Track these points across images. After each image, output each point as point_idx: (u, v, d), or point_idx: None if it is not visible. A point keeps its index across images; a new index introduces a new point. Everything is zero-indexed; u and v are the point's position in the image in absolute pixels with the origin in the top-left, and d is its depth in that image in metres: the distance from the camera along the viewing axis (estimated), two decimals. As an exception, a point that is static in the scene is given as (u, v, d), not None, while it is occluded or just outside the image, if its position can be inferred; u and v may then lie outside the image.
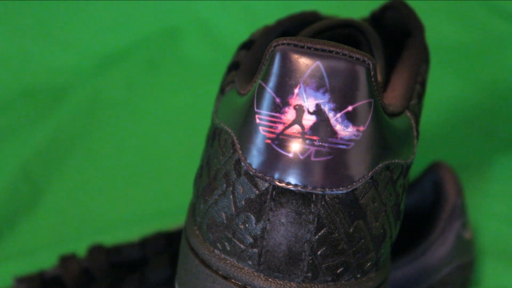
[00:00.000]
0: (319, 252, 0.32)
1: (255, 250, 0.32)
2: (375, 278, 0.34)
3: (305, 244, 0.31)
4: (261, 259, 0.32)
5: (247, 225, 0.32)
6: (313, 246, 0.31)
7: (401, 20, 0.40)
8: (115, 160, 0.62)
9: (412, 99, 0.36)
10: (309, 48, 0.30)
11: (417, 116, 0.36)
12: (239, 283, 0.32)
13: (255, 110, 0.31)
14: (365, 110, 0.31)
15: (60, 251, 0.50)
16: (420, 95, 0.37)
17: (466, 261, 0.46)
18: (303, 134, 0.31)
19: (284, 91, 0.31)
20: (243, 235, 0.32)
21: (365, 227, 0.32)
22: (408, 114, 0.35)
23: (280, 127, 0.31)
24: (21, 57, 0.68)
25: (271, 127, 0.31)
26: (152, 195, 0.58)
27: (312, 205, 0.31)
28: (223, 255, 0.33)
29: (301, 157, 0.31)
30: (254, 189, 0.32)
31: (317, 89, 0.30)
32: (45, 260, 0.50)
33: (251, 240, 0.32)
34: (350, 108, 0.31)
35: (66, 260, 0.46)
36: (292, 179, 0.31)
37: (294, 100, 0.30)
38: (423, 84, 0.38)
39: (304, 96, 0.30)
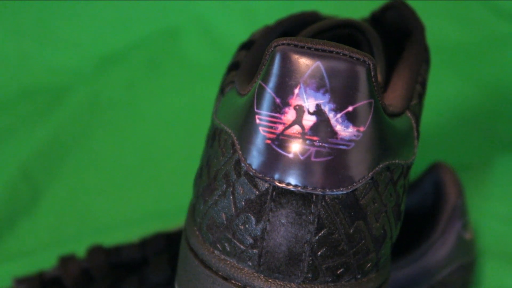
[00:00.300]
0: (319, 253, 0.32)
1: (255, 250, 0.32)
2: (376, 279, 0.34)
3: (305, 245, 0.31)
4: (261, 260, 0.32)
5: (247, 225, 0.32)
6: (313, 246, 0.31)
7: (401, 20, 0.40)
8: (115, 160, 0.62)
9: (413, 100, 0.36)
10: (309, 48, 0.30)
11: (417, 116, 0.36)
12: (239, 284, 0.32)
13: (255, 110, 0.31)
14: (365, 111, 0.31)
15: (59, 251, 0.50)
16: (421, 96, 0.37)
17: (466, 261, 0.46)
18: (303, 135, 0.31)
19: (284, 92, 0.30)
20: (243, 235, 0.32)
21: (366, 228, 0.32)
22: (409, 114, 0.35)
23: (280, 127, 0.31)
24: (20, 57, 0.68)
25: (271, 127, 0.31)
26: (152, 195, 0.58)
27: (312, 206, 0.31)
28: (223, 256, 0.33)
29: (301, 158, 0.31)
30: (254, 190, 0.32)
31: (317, 89, 0.30)
32: (45, 261, 0.50)
33: (251, 240, 0.32)
34: (350, 108, 0.30)
35: (66, 260, 0.46)
36: (292, 180, 0.31)
37: (294, 101, 0.30)
38: (423, 85, 0.38)
39: (304, 96, 0.30)
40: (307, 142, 0.31)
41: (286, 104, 0.31)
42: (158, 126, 0.65)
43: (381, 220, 0.33)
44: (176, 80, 0.68)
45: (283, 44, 0.31)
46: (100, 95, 0.67)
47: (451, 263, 0.44)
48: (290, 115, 0.31)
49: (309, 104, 0.30)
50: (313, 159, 0.31)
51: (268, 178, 0.31)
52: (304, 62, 0.30)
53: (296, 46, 0.30)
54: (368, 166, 0.32)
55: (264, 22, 0.41)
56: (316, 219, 0.31)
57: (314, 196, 0.31)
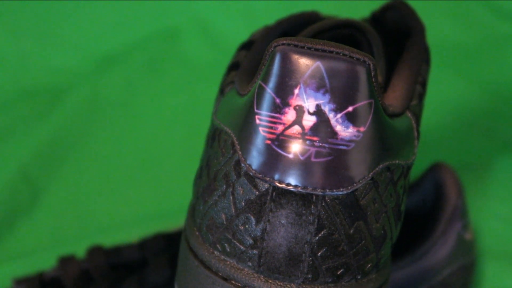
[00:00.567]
0: (319, 253, 0.32)
1: (255, 251, 0.32)
2: (376, 279, 0.34)
3: (305, 245, 0.31)
4: (261, 260, 0.32)
5: (247, 226, 0.32)
6: (313, 247, 0.31)
7: (401, 20, 0.40)
8: (115, 161, 0.62)
9: (413, 100, 0.36)
10: (309, 48, 0.30)
11: (417, 116, 0.36)
12: (239, 285, 0.32)
13: (255, 110, 0.31)
14: (365, 111, 0.31)
15: (59, 252, 0.50)
16: (421, 96, 0.37)
17: (467, 262, 0.46)
18: (303, 135, 0.31)
19: (284, 92, 0.30)
20: (243, 236, 0.32)
21: (366, 228, 0.32)
22: (409, 114, 0.35)
23: (280, 127, 0.31)
24: (20, 57, 0.68)
25: (271, 127, 0.31)
26: (152, 196, 0.58)
27: (313, 206, 0.31)
28: (222, 256, 0.33)
29: (301, 158, 0.31)
30: (254, 190, 0.31)
31: (317, 89, 0.30)
32: (44, 261, 0.50)
33: (251, 241, 0.32)
34: (350, 108, 0.30)
35: (65, 261, 0.46)
36: (292, 180, 0.31)
37: (294, 101, 0.30)
38: (423, 85, 0.38)
39: (304, 96, 0.30)
40: (307, 142, 0.31)
41: (286, 104, 0.30)
42: (158, 127, 0.65)
43: (381, 221, 0.33)
44: (176, 80, 0.68)
45: (283, 44, 0.31)
46: (99, 95, 0.67)
47: (451, 263, 0.44)
48: (290, 115, 0.31)
49: (309, 104, 0.30)
50: (313, 159, 0.31)
51: (268, 179, 0.31)
52: (304, 62, 0.30)
53: (296, 46, 0.30)
54: (368, 167, 0.31)
55: (264, 22, 0.41)
56: (316, 220, 0.31)
57: (314, 197, 0.31)
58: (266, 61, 0.31)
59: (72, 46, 0.69)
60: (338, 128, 0.31)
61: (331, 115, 0.30)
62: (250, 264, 0.32)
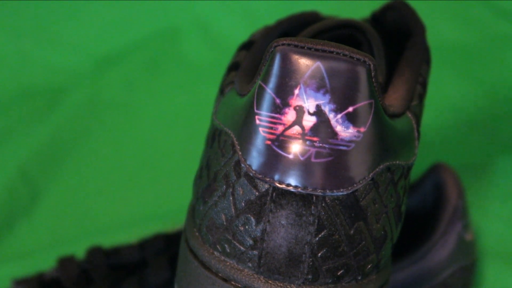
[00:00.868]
0: (319, 254, 0.31)
1: (255, 252, 0.32)
2: (376, 280, 0.34)
3: (306, 246, 0.31)
4: (261, 261, 0.32)
5: (247, 226, 0.32)
6: (314, 248, 0.31)
7: (402, 20, 0.40)
8: (114, 161, 0.61)
9: (413, 100, 0.36)
10: (309, 48, 0.30)
11: (418, 117, 0.36)
12: (239, 285, 0.32)
13: (255, 111, 0.31)
14: (365, 111, 0.31)
15: (58, 252, 0.49)
16: (421, 96, 0.37)
17: (467, 263, 0.46)
18: (303, 135, 0.30)
19: (284, 92, 0.30)
20: (243, 237, 0.32)
21: (366, 229, 0.32)
22: (409, 115, 0.35)
23: (280, 128, 0.31)
24: (19, 57, 0.68)
25: (271, 128, 0.31)
26: (152, 196, 0.58)
27: (313, 207, 0.31)
28: (222, 257, 0.33)
29: (302, 158, 0.31)
30: (254, 191, 0.31)
31: (317, 89, 0.30)
32: (44, 262, 0.50)
33: (251, 242, 0.32)
34: (350, 109, 0.30)
35: (65, 262, 0.46)
36: (292, 181, 0.31)
37: (294, 101, 0.30)
38: (424, 85, 0.38)
39: (305, 96, 0.30)
40: (307, 142, 0.30)
41: (286, 104, 0.30)
42: (158, 127, 0.64)
43: (381, 221, 0.33)
44: (176, 81, 0.68)
45: (283, 44, 0.31)
46: (99, 96, 0.66)
47: (452, 264, 0.44)
48: (290, 115, 0.31)
49: (309, 104, 0.30)
50: (313, 159, 0.31)
51: (268, 179, 0.31)
52: (304, 63, 0.30)
53: (296, 46, 0.30)
54: (368, 167, 0.31)
55: (264, 22, 0.41)
56: (316, 220, 0.31)
57: (314, 197, 0.31)
58: (266, 61, 0.31)
59: (72, 46, 0.69)
60: (338, 128, 0.30)
61: (331, 116, 0.30)
62: (250, 264, 0.32)
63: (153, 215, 0.56)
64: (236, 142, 0.32)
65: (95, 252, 0.46)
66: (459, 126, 0.61)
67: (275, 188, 0.31)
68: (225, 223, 0.32)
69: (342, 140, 0.31)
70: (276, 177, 0.31)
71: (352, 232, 0.32)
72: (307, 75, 0.30)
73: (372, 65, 0.30)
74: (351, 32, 0.39)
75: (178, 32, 0.69)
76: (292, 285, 0.32)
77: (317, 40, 0.30)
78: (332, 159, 0.31)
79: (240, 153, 0.32)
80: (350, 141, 0.31)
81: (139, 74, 0.68)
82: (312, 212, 0.31)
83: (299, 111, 0.30)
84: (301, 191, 0.31)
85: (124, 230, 0.54)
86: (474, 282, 0.48)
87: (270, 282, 0.32)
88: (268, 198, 0.31)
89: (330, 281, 0.32)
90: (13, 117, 0.65)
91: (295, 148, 0.31)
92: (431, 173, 0.47)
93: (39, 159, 0.61)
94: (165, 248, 0.46)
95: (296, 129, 0.31)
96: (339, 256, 0.32)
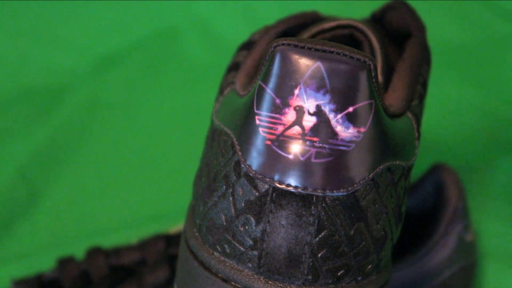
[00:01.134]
0: (319, 255, 0.31)
1: (255, 252, 0.32)
2: (376, 280, 0.34)
3: (306, 247, 0.31)
4: (261, 262, 0.32)
5: (247, 227, 0.32)
6: (314, 248, 0.31)
7: (402, 20, 0.40)
8: (114, 162, 0.61)
9: (414, 100, 0.36)
10: (309, 48, 0.30)
11: (418, 117, 0.36)
12: (239, 286, 0.32)
13: (255, 111, 0.31)
14: (366, 111, 0.31)
15: (58, 253, 0.49)
16: (422, 96, 0.37)
17: (468, 263, 0.46)
18: (303, 135, 0.30)
19: (284, 92, 0.30)
20: (243, 237, 0.32)
21: (366, 229, 0.32)
22: (409, 115, 0.35)
23: (280, 128, 0.31)
24: (19, 58, 0.68)
25: (271, 128, 0.31)
26: (151, 197, 0.58)
27: (313, 207, 0.31)
28: (222, 258, 0.33)
29: (302, 159, 0.30)
30: (254, 191, 0.31)
31: (317, 90, 0.30)
32: (43, 263, 0.50)
33: (251, 242, 0.32)
34: (350, 109, 0.30)
35: (65, 262, 0.46)
36: (292, 181, 0.31)
37: (294, 101, 0.30)
38: (424, 85, 0.38)
39: (305, 97, 0.30)
40: (307, 143, 0.30)
41: (286, 104, 0.30)
42: (157, 127, 0.64)
43: (381, 222, 0.33)
44: (176, 81, 0.68)
45: (283, 44, 0.30)
46: (98, 96, 0.66)
47: (452, 265, 0.44)
48: (290, 115, 0.30)
49: (309, 104, 0.30)
50: (313, 160, 0.30)
51: (268, 179, 0.31)
52: (304, 63, 0.30)
53: (296, 46, 0.30)
54: (368, 167, 0.31)
55: (264, 22, 0.41)
56: (316, 221, 0.31)
57: (314, 198, 0.31)
58: (266, 62, 0.31)
59: (71, 46, 0.69)
60: (339, 128, 0.30)
61: (331, 116, 0.30)
62: (250, 265, 0.32)
63: (153, 216, 0.55)
64: (236, 142, 0.32)
65: (95, 253, 0.46)
66: (460, 126, 0.61)
67: (275, 189, 0.31)
68: (225, 224, 0.32)
69: (342, 140, 0.31)
70: (276, 177, 0.31)
71: (352, 232, 0.32)
72: (307, 75, 0.30)
73: (372, 65, 0.30)
74: (351, 32, 0.39)
75: (178, 32, 0.69)
76: (292, 285, 0.32)
77: (317, 40, 0.30)
78: (332, 160, 0.31)
79: (240, 153, 0.32)
80: (350, 141, 0.31)
81: (138, 74, 0.68)
82: (312, 212, 0.31)
83: (299, 111, 0.30)
84: (301, 191, 0.31)
85: (123, 230, 0.54)
86: (474, 283, 0.48)
87: (270, 282, 0.32)
88: (268, 199, 0.31)
89: (330, 281, 0.32)
90: (12, 117, 0.65)
91: (295, 148, 0.31)
92: (432, 173, 0.47)
93: (39, 159, 0.61)
94: (165, 249, 0.46)
95: (296, 129, 0.30)
96: (339, 257, 0.32)
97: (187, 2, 0.69)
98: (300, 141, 0.30)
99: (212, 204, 0.33)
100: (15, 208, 0.57)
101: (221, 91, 0.36)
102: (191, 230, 0.35)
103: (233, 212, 0.32)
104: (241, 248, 0.32)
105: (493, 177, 0.57)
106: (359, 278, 0.33)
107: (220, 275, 0.33)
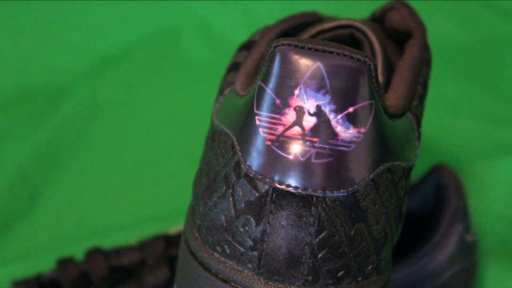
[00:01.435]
0: (319, 255, 0.31)
1: (255, 253, 0.32)
2: (377, 281, 0.34)
3: (306, 247, 0.31)
4: (261, 262, 0.32)
5: (247, 227, 0.32)
6: (314, 249, 0.31)
7: (402, 20, 0.40)
8: (114, 162, 0.61)
9: (414, 100, 0.36)
10: (309, 48, 0.30)
11: (418, 117, 0.36)
12: (239, 287, 0.32)
13: (255, 111, 0.31)
14: (366, 112, 0.31)
15: (58, 254, 0.49)
16: (422, 96, 0.37)
17: (468, 264, 0.46)
18: (303, 136, 0.30)
19: (284, 92, 0.30)
20: (243, 238, 0.32)
21: (366, 230, 0.32)
22: (410, 115, 0.35)
23: (280, 128, 0.31)
24: (18, 58, 0.68)
25: (271, 128, 0.31)
26: (151, 197, 0.58)
27: (313, 208, 0.31)
28: (222, 258, 0.33)
29: (302, 159, 0.30)
30: (254, 192, 0.31)
31: (317, 90, 0.30)
32: (43, 264, 0.50)
33: (251, 243, 0.32)
34: (351, 109, 0.30)
35: (64, 263, 0.46)
36: (293, 181, 0.31)
37: (295, 101, 0.30)
38: (424, 85, 0.38)
39: (305, 97, 0.30)
40: (307, 143, 0.30)
41: (286, 105, 0.30)
42: (157, 128, 0.64)
43: (382, 222, 0.33)
44: (176, 81, 0.68)
45: (283, 44, 0.30)
46: (98, 96, 0.66)
47: (453, 265, 0.44)
48: (290, 116, 0.30)
49: (310, 105, 0.30)
50: (313, 160, 0.30)
51: (268, 180, 0.31)
52: (304, 63, 0.30)
53: (296, 46, 0.30)
54: (369, 168, 0.31)
55: (264, 22, 0.41)
56: (317, 221, 0.31)
57: (314, 198, 0.31)
58: (266, 62, 0.31)
59: (71, 47, 0.69)
60: (339, 129, 0.30)
61: (331, 116, 0.30)
62: (250, 266, 0.32)
63: (152, 216, 0.55)
64: (236, 143, 0.32)
65: (95, 253, 0.46)
66: (460, 126, 0.61)
67: (275, 189, 0.31)
68: (225, 224, 0.32)
69: (342, 140, 0.30)
70: (276, 177, 0.31)
71: (352, 233, 0.32)
72: (307, 75, 0.30)
73: (372, 65, 0.30)
74: (351, 32, 0.39)
75: (178, 32, 0.69)
76: (292, 286, 0.32)
77: (317, 40, 0.30)
78: (332, 160, 0.31)
79: (240, 153, 0.32)
80: (351, 142, 0.31)
81: (138, 74, 0.68)
82: (312, 213, 0.31)
83: (299, 111, 0.30)
84: (301, 192, 0.31)
85: (123, 231, 0.54)
86: (475, 283, 0.48)
87: (270, 283, 0.32)
88: (268, 199, 0.31)
89: (331, 282, 0.32)
90: (12, 118, 0.65)
91: (295, 148, 0.30)
92: (432, 173, 0.47)
93: (39, 159, 0.61)
94: (165, 250, 0.46)
95: (296, 129, 0.30)
96: (340, 257, 0.32)
97: (187, 2, 0.69)
98: (300, 142, 0.30)
99: (212, 205, 0.33)
100: (15, 209, 0.57)
101: (221, 91, 0.36)
102: (191, 231, 0.35)
103: (233, 212, 0.32)
104: (241, 249, 0.32)
105: (493, 178, 0.57)
106: (360, 279, 0.33)
107: (220, 275, 0.33)
